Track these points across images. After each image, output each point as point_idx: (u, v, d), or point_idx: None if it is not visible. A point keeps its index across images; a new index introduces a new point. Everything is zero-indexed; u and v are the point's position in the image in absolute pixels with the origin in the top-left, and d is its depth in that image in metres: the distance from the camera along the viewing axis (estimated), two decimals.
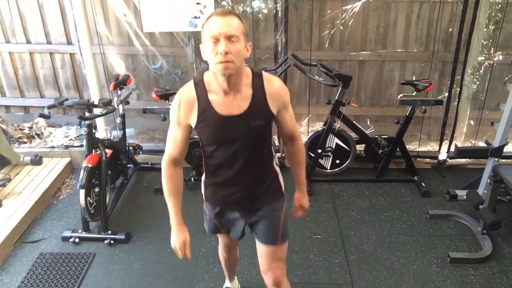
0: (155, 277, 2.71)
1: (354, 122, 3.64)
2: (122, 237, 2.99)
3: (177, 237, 1.88)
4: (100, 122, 3.93)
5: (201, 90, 1.64)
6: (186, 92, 1.67)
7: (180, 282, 2.67)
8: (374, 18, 3.87)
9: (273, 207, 1.87)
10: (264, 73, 1.69)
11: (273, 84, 1.67)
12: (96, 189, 3.00)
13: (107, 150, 3.23)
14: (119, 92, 3.53)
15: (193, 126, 1.70)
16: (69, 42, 4.16)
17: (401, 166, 3.86)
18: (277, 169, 1.89)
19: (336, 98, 3.46)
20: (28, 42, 4.21)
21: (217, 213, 1.94)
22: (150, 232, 3.11)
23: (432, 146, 4.09)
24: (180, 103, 1.67)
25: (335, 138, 3.65)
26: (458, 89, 3.72)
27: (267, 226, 1.87)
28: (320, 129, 3.66)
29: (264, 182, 1.84)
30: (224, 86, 1.59)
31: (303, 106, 4.14)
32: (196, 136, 1.84)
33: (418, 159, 3.91)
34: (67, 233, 3.02)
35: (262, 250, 1.92)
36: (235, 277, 2.56)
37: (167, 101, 3.46)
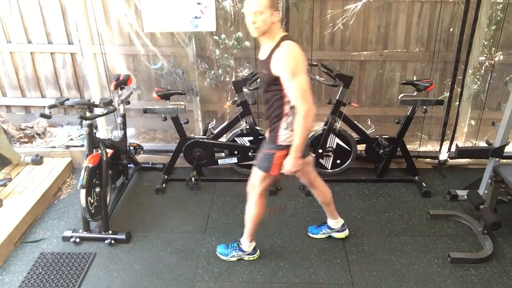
0: (155, 277, 2.71)
1: (355, 122, 3.64)
2: (123, 237, 2.99)
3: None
4: (101, 122, 3.94)
5: None
6: None
7: (180, 282, 2.67)
8: (375, 18, 3.87)
9: (266, 146, 2.48)
10: (286, 41, 2.21)
11: (278, 48, 2.21)
12: (97, 189, 3.00)
13: (108, 150, 3.23)
14: (120, 92, 3.54)
15: None
16: (70, 42, 4.17)
17: (402, 166, 3.86)
18: (282, 125, 2.36)
19: (337, 98, 3.46)
20: (29, 42, 4.22)
21: None
22: (151, 232, 3.11)
23: (433, 146, 4.09)
24: None
25: (336, 138, 3.64)
26: (459, 89, 3.72)
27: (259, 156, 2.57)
28: (321, 129, 3.66)
29: (271, 122, 2.42)
30: (259, 40, 2.34)
31: None
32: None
33: (419, 159, 3.91)
34: (68, 233, 3.02)
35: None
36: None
37: (168, 101, 3.46)
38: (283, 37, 2.24)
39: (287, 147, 2.38)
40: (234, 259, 2.81)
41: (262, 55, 2.33)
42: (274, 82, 2.26)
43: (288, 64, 2.17)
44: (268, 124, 2.48)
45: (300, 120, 2.24)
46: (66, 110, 4.49)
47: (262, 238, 3.01)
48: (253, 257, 2.82)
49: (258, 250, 2.84)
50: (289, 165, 2.37)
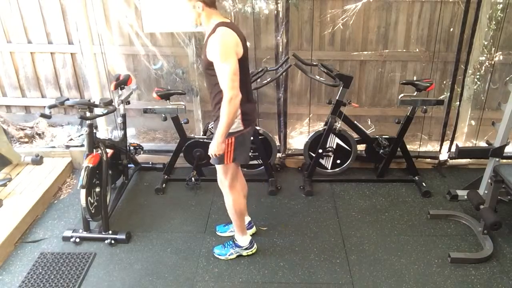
0: (155, 277, 2.71)
1: (355, 122, 3.64)
2: (123, 237, 2.99)
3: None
4: (101, 122, 3.93)
5: None
6: None
7: (180, 282, 2.67)
8: (375, 18, 3.86)
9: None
10: (220, 27, 2.24)
11: (213, 34, 2.25)
12: (97, 189, 3.01)
13: (108, 150, 3.23)
14: (120, 92, 3.54)
15: None
16: (70, 42, 4.17)
17: (402, 166, 3.86)
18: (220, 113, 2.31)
19: (337, 98, 3.46)
20: (29, 42, 4.22)
21: None
22: (151, 232, 3.11)
23: (433, 146, 4.09)
24: None
25: (336, 138, 3.64)
26: (459, 89, 3.72)
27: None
28: (321, 129, 3.66)
29: (215, 110, 2.44)
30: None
31: (304, 106, 4.15)
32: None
33: (419, 159, 3.91)
34: (68, 233, 3.02)
35: None
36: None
37: (168, 101, 3.46)
38: (218, 23, 2.28)
39: (235, 133, 2.42)
40: (233, 256, 2.81)
41: (205, 40, 2.37)
42: (210, 67, 2.29)
43: (219, 49, 2.20)
44: (212, 114, 2.50)
45: (224, 106, 2.24)
46: (66, 110, 4.49)
47: (262, 238, 3.01)
48: (251, 251, 2.82)
49: (255, 244, 2.84)
50: (213, 148, 2.37)
